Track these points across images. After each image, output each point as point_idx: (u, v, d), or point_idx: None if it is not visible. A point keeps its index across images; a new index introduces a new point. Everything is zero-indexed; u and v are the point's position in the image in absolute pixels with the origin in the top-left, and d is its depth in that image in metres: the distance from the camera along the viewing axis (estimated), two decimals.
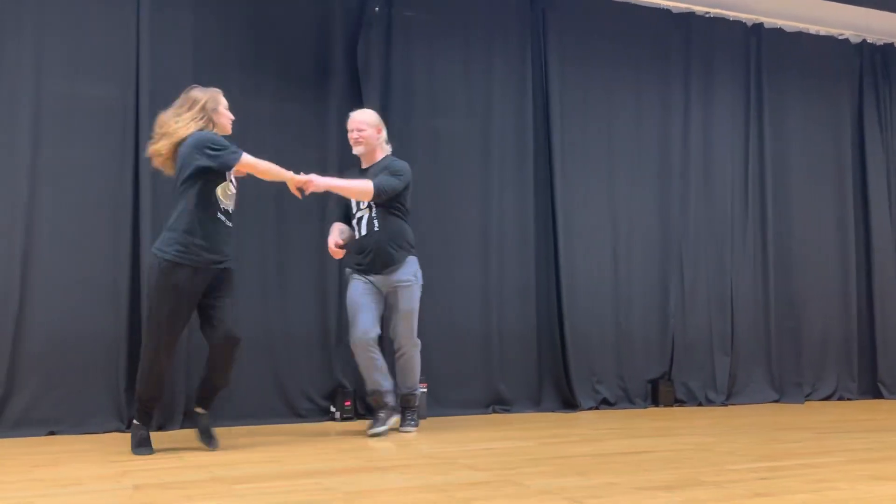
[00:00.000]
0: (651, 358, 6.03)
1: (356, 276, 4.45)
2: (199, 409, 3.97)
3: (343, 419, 5.04)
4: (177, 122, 3.82)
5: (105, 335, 4.64)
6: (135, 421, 3.83)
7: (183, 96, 3.92)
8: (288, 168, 4.15)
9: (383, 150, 4.55)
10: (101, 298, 4.66)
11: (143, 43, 4.82)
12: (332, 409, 5.09)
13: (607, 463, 3.41)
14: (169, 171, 3.90)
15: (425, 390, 5.19)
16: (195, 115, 3.85)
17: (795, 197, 6.56)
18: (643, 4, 6.27)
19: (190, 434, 4.45)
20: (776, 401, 6.23)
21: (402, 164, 4.45)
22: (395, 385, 4.50)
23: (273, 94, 5.18)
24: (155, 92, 4.81)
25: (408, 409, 4.52)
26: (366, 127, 4.50)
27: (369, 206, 4.39)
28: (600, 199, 6.02)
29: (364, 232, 4.42)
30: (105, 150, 4.77)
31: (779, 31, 6.65)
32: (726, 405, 6.04)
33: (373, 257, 4.38)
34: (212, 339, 3.84)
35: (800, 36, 6.74)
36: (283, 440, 4.21)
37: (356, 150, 4.52)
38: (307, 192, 4.11)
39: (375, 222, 4.39)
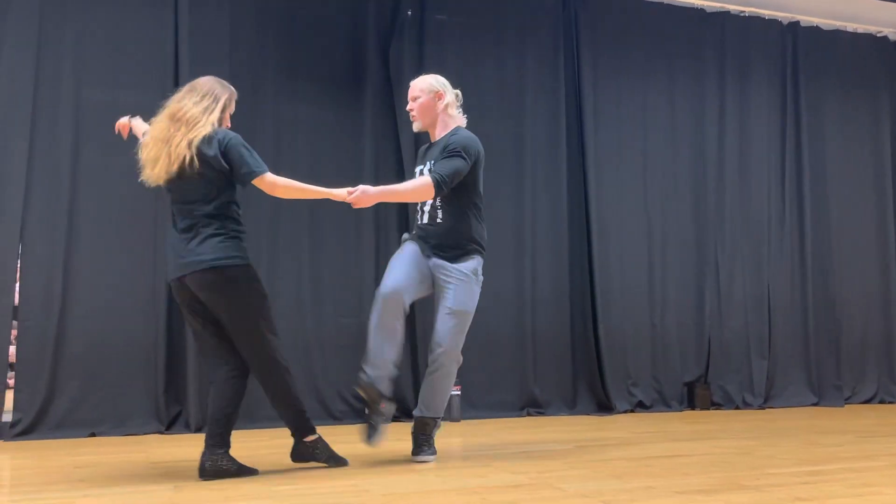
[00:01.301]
0: (687, 360, 5.98)
1: (412, 241, 3.66)
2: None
3: None
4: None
5: (144, 339, 4.72)
6: (311, 439, 3.39)
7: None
8: (325, 173, 4.15)
9: (451, 119, 3.66)
10: (140, 302, 4.73)
11: (181, 51, 4.90)
12: (367, 411, 5.10)
13: (644, 466, 3.38)
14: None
15: (459, 393, 5.20)
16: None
17: (833, 197, 6.46)
18: (676, 4, 6.22)
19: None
20: (815, 404, 6.13)
21: (463, 137, 3.55)
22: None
23: (308, 98, 5.23)
24: None
25: (422, 435, 3.64)
26: (419, 93, 3.64)
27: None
28: (634, 201, 5.98)
29: (426, 220, 3.64)
30: None
31: (815, 30, 6.56)
32: (764, 408, 5.97)
33: (432, 244, 3.60)
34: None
35: (837, 34, 6.64)
36: None
37: (414, 127, 3.73)
38: (355, 207, 3.44)
39: (439, 212, 3.59)
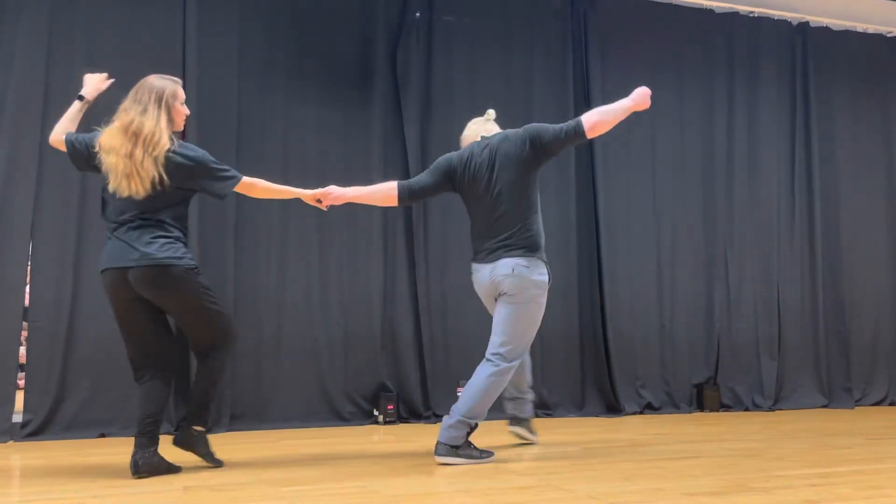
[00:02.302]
0: (696, 362, 5.96)
1: None
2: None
3: (386, 423, 5.06)
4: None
5: None
6: (199, 428, 3.46)
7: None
8: (333, 173, 4.17)
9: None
10: None
11: (189, 51, 4.91)
12: (376, 412, 5.12)
13: (653, 468, 3.38)
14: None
15: None
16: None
17: (844, 198, 6.43)
18: (686, 4, 6.21)
19: (236, 436, 4.51)
20: (825, 406, 6.11)
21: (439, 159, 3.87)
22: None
23: (317, 99, 5.24)
24: (201, 100, 4.91)
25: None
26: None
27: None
28: (643, 202, 5.97)
29: None
30: None
31: (825, 30, 6.53)
32: (774, 410, 5.94)
33: None
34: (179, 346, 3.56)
35: (847, 34, 6.61)
36: (328, 443, 4.24)
37: None
38: (325, 207, 3.76)
39: None
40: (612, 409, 5.61)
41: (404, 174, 5.32)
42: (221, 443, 4.26)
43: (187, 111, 3.54)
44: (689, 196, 6.08)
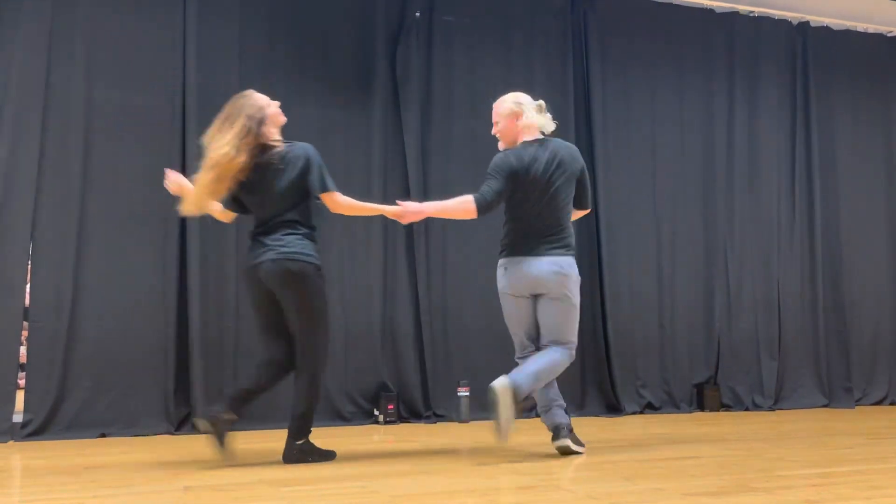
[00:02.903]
0: (696, 362, 5.96)
1: None
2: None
3: (386, 422, 5.06)
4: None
5: (154, 340, 4.73)
6: (301, 443, 3.56)
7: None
8: (334, 173, 4.18)
9: (530, 134, 3.88)
10: (149, 304, 4.75)
11: (189, 52, 4.92)
12: (376, 412, 5.12)
13: (654, 468, 3.37)
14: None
15: (467, 394, 5.20)
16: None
17: (844, 198, 6.44)
18: (686, 4, 6.21)
19: (238, 436, 4.51)
20: (825, 405, 6.11)
21: (496, 159, 3.83)
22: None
23: (318, 100, 5.24)
24: (202, 99, 4.91)
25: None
26: (499, 118, 3.94)
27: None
28: (644, 202, 5.97)
29: None
30: (154, 158, 4.86)
31: (826, 30, 6.53)
32: (774, 410, 5.94)
33: None
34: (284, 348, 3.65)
35: (847, 34, 6.61)
36: (328, 443, 4.23)
37: (500, 146, 3.98)
38: (405, 222, 3.83)
39: None
40: (613, 408, 5.61)
41: (403, 173, 5.32)
42: None
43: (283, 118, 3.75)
44: (689, 196, 6.08)
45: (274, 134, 3.66)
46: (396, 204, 3.77)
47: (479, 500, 2.73)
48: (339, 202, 3.64)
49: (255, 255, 3.55)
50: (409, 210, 3.74)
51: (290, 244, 3.51)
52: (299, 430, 3.54)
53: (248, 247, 3.60)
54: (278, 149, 3.60)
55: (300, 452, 3.53)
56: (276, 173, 3.55)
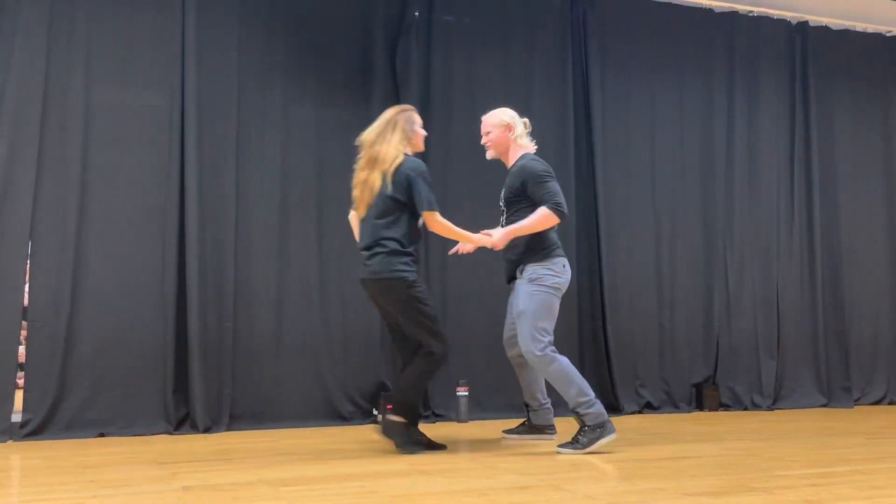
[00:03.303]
0: (695, 361, 5.96)
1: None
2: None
3: None
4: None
5: (153, 340, 4.73)
6: (400, 418, 3.80)
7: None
8: (333, 173, 4.19)
9: (521, 146, 4.15)
10: (149, 304, 4.75)
11: (188, 51, 4.91)
12: (375, 411, 5.12)
13: (653, 468, 3.38)
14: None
15: (466, 394, 5.20)
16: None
17: (843, 198, 6.44)
18: (685, 4, 6.21)
19: (236, 436, 4.51)
20: (824, 405, 6.11)
21: (535, 164, 4.03)
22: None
23: (317, 100, 5.24)
24: (201, 99, 4.92)
25: (544, 428, 4.22)
26: (491, 128, 4.19)
27: (503, 212, 4.13)
28: (643, 201, 5.97)
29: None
30: (152, 158, 4.86)
31: (824, 29, 6.53)
32: (773, 410, 5.95)
33: (505, 268, 4.18)
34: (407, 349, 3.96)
35: (846, 34, 6.61)
36: (328, 443, 4.24)
37: (487, 155, 4.26)
38: (499, 249, 3.98)
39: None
40: (612, 408, 5.61)
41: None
42: (221, 442, 4.26)
43: (424, 133, 4.03)
44: (688, 195, 6.08)
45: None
46: (482, 233, 3.95)
47: (478, 500, 2.73)
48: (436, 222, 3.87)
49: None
50: (498, 239, 3.89)
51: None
52: (400, 409, 3.81)
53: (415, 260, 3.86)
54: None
55: (392, 428, 3.79)
56: None
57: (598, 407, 3.85)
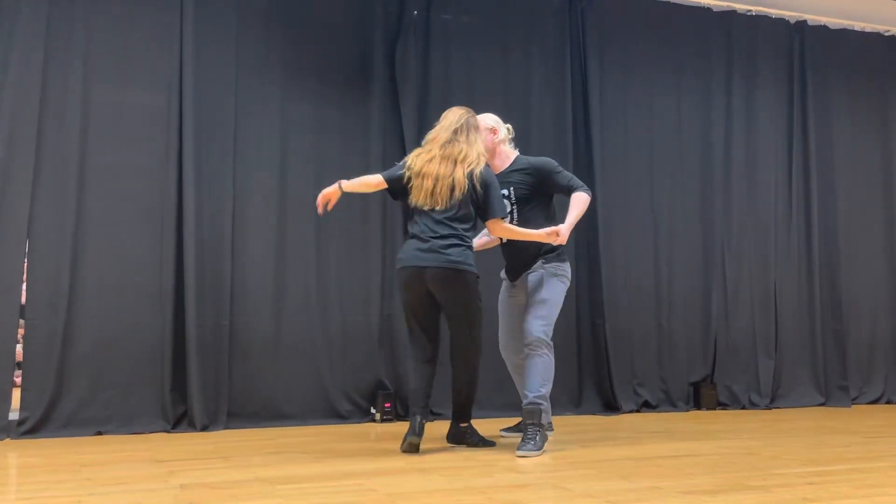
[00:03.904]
0: (693, 360, 5.96)
1: (504, 279, 4.35)
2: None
3: (383, 420, 5.06)
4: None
5: (151, 338, 4.72)
6: (464, 425, 4.02)
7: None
8: (332, 172, 4.21)
9: (506, 152, 4.24)
10: (146, 302, 4.74)
11: (186, 50, 4.90)
12: (373, 410, 5.12)
13: (651, 466, 3.38)
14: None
15: None
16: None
17: (841, 198, 6.44)
18: (684, 3, 6.21)
19: (233, 434, 4.51)
20: (822, 404, 6.11)
21: (547, 159, 4.21)
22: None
23: (315, 98, 5.24)
24: (199, 98, 4.91)
25: (528, 426, 3.90)
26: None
27: (510, 211, 4.13)
28: (641, 200, 5.97)
29: (504, 239, 4.19)
30: (151, 156, 4.85)
31: (823, 29, 6.53)
32: (770, 409, 5.95)
33: (511, 264, 4.22)
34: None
35: (844, 33, 6.61)
36: (325, 441, 4.24)
37: None
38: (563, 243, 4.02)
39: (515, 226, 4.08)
40: (610, 407, 5.62)
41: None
42: (218, 441, 4.26)
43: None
44: (686, 194, 6.08)
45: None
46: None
47: (477, 499, 2.73)
48: None
49: None
50: (565, 233, 3.97)
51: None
52: (465, 415, 4.04)
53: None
54: None
55: (464, 433, 4.00)
56: None
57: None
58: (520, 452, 3.73)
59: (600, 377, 5.66)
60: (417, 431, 3.80)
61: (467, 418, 4.01)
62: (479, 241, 4.35)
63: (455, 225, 3.84)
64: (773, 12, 6.41)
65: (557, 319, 5.84)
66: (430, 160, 3.89)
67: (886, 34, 6.73)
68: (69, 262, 4.62)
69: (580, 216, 4.08)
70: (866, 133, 6.59)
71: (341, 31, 5.36)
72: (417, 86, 5.45)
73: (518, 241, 4.07)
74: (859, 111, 6.58)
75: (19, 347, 4.72)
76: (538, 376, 3.96)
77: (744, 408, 5.92)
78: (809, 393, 6.15)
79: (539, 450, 3.76)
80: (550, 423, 4.33)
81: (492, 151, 4.19)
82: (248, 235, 5.02)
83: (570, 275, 4.19)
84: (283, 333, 5.03)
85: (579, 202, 4.05)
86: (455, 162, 3.86)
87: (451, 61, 5.59)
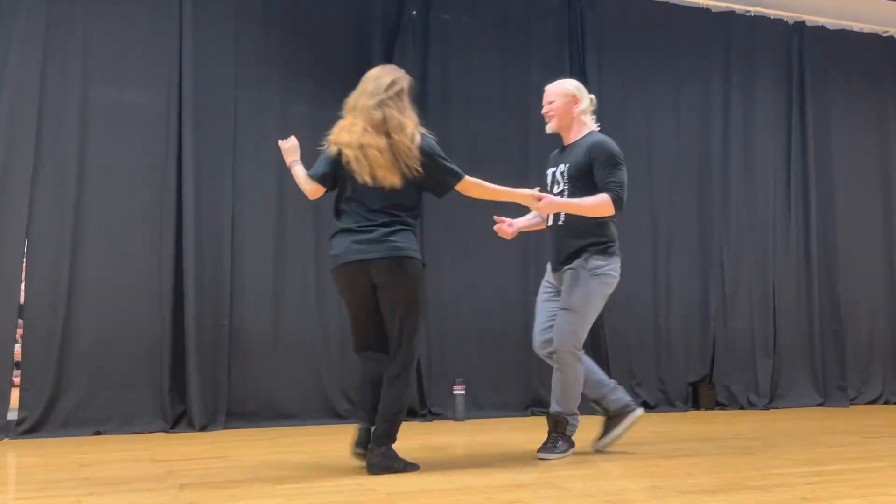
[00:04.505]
0: (691, 360, 5.97)
1: (547, 271, 3.89)
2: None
3: None
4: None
5: (150, 338, 4.73)
6: (386, 450, 3.25)
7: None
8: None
9: (584, 124, 3.80)
10: (145, 302, 4.74)
11: (185, 50, 4.91)
12: None
13: (649, 466, 3.38)
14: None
15: (463, 392, 5.21)
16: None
17: (840, 197, 6.45)
18: (683, 4, 6.21)
19: (233, 434, 4.51)
20: (820, 404, 6.12)
21: (610, 145, 3.67)
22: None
23: (313, 98, 5.24)
24: (197, 98, 4.91)
25: (551, 432, 3.68)
26: (555, 97, 3.80)
27: (562, 190, 3.72)
28: (639, 200, 5.96)
29: (550, 222, 3.80)
30: (150, 156, 4.86)
31: (821, 29, 6.54)
32: (769, 409, 5.96)
33: (554, 252, 3.78)
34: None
35: (843, 34, 6.62)
36: (324, 440, 4.24)
37: (548, 128, 3.85)
38: (545, 213, 3.63)
39: (562, 214, 3.70)
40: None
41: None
42: (217, 440, 4.26)
43: None
44: (685, 194, 6.08)
45: None
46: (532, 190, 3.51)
47: (475, 498, 2.73)
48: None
49: None
50: (550, 204, 3.49)
51: None
52: (389, 437, 3.28)
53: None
54: None
55: (386, 460, 3.23)
56: None
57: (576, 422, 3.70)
58: (540, 455, 3.59)
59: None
60: (362, 441, 3.29)
61: (391, 439, 3.27)
62: (525, 221, 3.91)
63: (395, 211, 3.27)
64: (772, 13, 6.42)
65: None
66: (363, 132, 3.30)
67: (885, 35, 6.74)
68: (68, 261, 4.62)
69: (586, 209, 3.56)
70: (864, 133, 6.60)
71: (340, 32, 5.36)
72: (416, 86, 5.43)
73: (561, 225, 3.69)
74: (857, 111, 6.59)
75: (18, 347, 4.72)
76: (558, 390, 3.64)
77: (742, 408, 5.93)
78: (808, 393, 6.16)
79: (562, 453, 3.58)
80: (630, 402, 3.85)
81: (568, 122, 3.77)
82: (247, 235, 5.02)
83: (616, 272, 3.72)
84: (282, 333, 5.03)
85: (597, 199, 3.56)
86: (387, 134, 3.28)
87: (450, 62, 5.59)
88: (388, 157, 3.25)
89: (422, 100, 5.45)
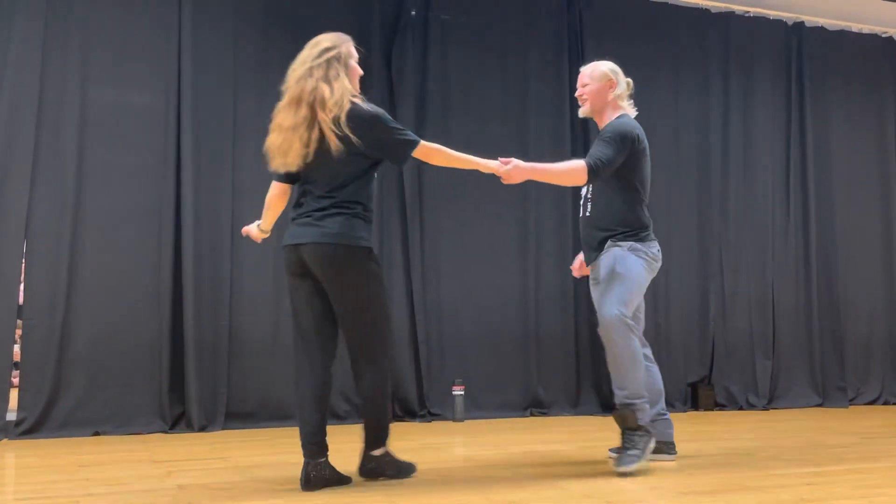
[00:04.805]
0: (691, 361, 5.97)
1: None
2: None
3: None
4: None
5: (149, 338, 4.72)
6: (376, 453, 3.05)
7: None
8: None
9: (618, 108, 3.57)
10: (144, 302, 4.74)
11: (184, 50, 4.90)
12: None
13: (649, 466, 3.37)
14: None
15: (462, 393, 5.20)
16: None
17: (839, 198, 6.45)
18: (682, 4, 6.21)
19: (231, 435, 4.51)
20: (819, 405, 6.12)
21: (619, 124, 3.43)
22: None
23: None
24: (197, 98, 4.91)
25: (622, 434, 3.29)
26: (589, 80, 3.60)
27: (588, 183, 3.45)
28: None
29: (580, 214, 3.62)
30: (148, 156, 4.85)
31: (820, 30, 6.55)
32: (768, 409, 5.96)
33: (584, 245, 3.58)
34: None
35: (842, 35, 6.62)
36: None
37: (581, 111, 3.64)
38: (507, 183, 3.25)
39: (589, 205, 3.53)
40: (608, 407, 5.60)
41: (398, 171, 5.31)
42: (217, 441, 4.26)
43: (361, 71, 3.30)
44: (684, 195, 6.08)
45: None
46: (498, 160, 3.21)
47: (476, 498, 2.73)
48: None
49: None
50: (518, 168, 3.16)
51: None
52: (381, 440, 3.08)
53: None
54: None
55: (381, 465, 3.06)
56: None
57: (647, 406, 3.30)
58: (618, 469, 3.14)
59: (598, 378, 5.66)
60: (313, 480, 2.89)
61: (382, 443, 3.05)
62: (579, 261, 3.77)
63: (334, 194, 2.94)
64: (771, 13, 6.42)
65: (558, 319, 5.86)
66: (284, 110, 3.06)
67: (883, 35, 6.74)
68: (67, 262, 4.61)
69: (550, 175, 3.33)
70: (863, 134, 6.60)
71: (338, 30, 5.34)
72: (415, 86, 5.45)
73: (588, 216, 3.51)
74: (856, 112, 6.59)
75: (16, 348, 4.71)
76: (615, 372, 3.31)
77: (741, 408, 5.93)
78: (807, 394, 6.16)
79: (639, 460, 3.14)
80: (672, 443, 3.59)
81: (602, 105, 3.54)
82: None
83: (655, 255, 3.52)
84: (281, 333, 5.02)
85: (567, 164, 3.33)
86: (308, 105, 3.00)
87: (449, 61, 5.59)
88: (302, 133, 2.95)
89: (420, 99, 5.47)
